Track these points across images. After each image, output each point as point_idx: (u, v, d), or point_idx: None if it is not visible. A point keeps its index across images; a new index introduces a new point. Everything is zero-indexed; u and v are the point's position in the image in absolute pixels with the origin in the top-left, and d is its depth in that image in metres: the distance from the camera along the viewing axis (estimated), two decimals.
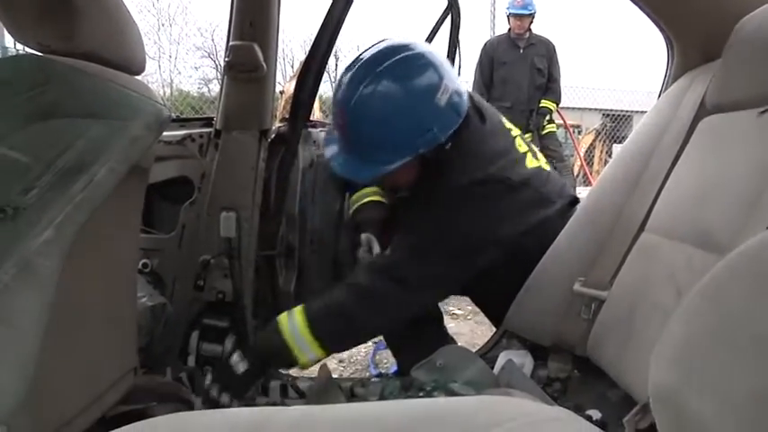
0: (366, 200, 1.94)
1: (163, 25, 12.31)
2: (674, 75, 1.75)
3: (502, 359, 1.68)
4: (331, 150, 1.64)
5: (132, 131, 1.14)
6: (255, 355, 1.62)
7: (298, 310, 1.60)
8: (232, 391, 1.60)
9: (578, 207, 1.73)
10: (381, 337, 3.12)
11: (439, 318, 1.99)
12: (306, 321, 1.58)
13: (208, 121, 2.00)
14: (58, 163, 1.01)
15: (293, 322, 1.58)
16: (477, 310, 3.79)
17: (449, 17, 2.61)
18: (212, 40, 17.56)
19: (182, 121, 2.07)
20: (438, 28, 2.63)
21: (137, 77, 1.39)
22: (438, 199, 1.58)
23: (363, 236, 1.87)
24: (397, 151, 1.54)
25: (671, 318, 0.63)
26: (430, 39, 2.64)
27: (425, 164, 1.60)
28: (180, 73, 11.89)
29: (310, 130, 2.03)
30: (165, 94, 11.84)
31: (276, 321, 1.60)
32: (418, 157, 1.55)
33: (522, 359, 1.69)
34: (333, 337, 1.61)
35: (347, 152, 1.60)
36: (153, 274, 1.96)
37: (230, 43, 1.83)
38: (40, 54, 1.24)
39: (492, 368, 1.62)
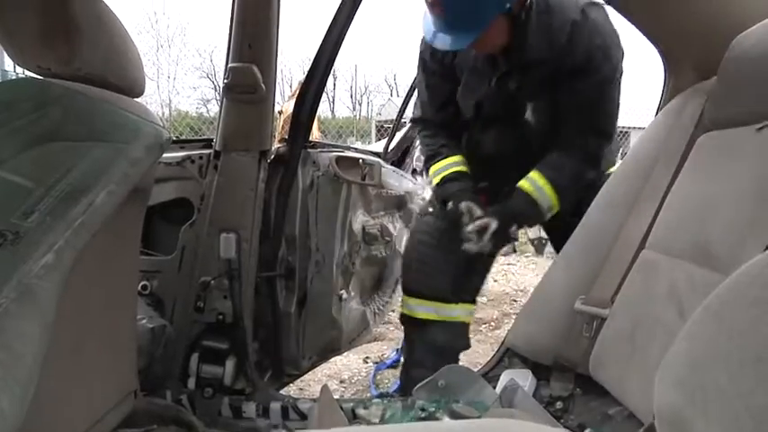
0: (450, 170, 1.99)
1: (162, 46, 12.39)
2: (670, 92, 1.76)
3: (504, 378, 1.68)
4: (437, 39, 1.75)
5: (132, 154, 1.14)
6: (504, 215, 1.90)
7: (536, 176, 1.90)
8: None
9: (579, 225, 1.73)
10: (381, 358, 3.13)
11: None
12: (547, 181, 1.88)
13: (207, 143, 2.00)
14: (58, 187, 1.01)
15: (536, 185, 1.88)
16: (479, 328, 3.80)
17: None
18: (211, 60, 17.68)
19: (181, 143, 2.06)
20: None
21: (136, 99, 1.40)
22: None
23: (463, 204, 1.91)
24: (488, 10, 1.68)
25: (676, 338, 0.62)
26: None
27: (513, 22, 1.75)
28: (178, 93, 11.96)
29: (309, 150, 2.03)
30: (163, 114, 11.88)
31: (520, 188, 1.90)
32: (506, 14, 1.71)
33: (524, 378, 1.68)
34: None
35: (448, 30, 1.73)
36: (153, 296, 1.95)
37: (229, 65, 1.83)
38: (40, 77, 1.24)
39: (494, 387, 1.61)
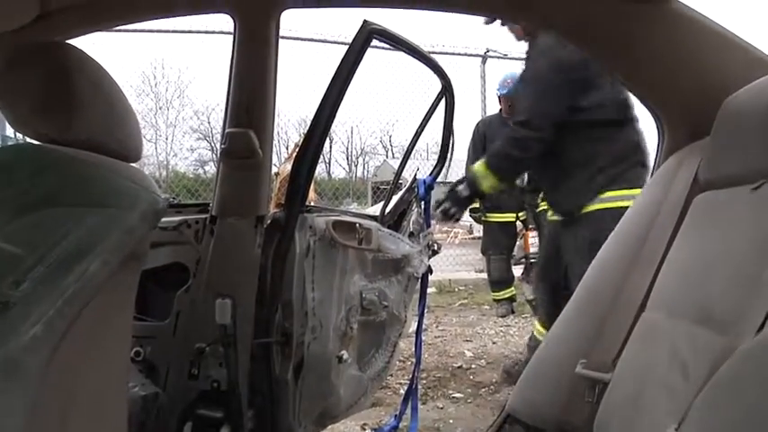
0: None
1: (160, 108, 12.56)
2: (665, 152, 1.77)
3: None
4: None
5: (128, 222, 1.13)
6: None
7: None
8: None
9: (578, 286, 1.71)
10: (379, 424, 3.06)
11: None
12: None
13: (203, 207, 2.00)
14: (51, 255, 1.00)
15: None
16: (478, 392, 3.73)
17: (443, 100, 2.68)
18: (208, 122, 17.93)
19: (178, 207, 2.07)
20: (433, 110, 2.70)
21: (134, 165, 1.40)
22: None
23: None
24: None
25: (682, 402, 0.61)
26: (425, 121, 2.69)
27: None
28: (176, 155, 12.06)
29: (306, 215, 2.03)
30: (160, 175, 11.99)
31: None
32: None
33: None
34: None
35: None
36: (146, 363, 1.92)
37: (226, 130, 1.85)
38: (38, 143, 1.25)
39: None
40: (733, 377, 0.58)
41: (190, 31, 7.58)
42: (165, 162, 12.50)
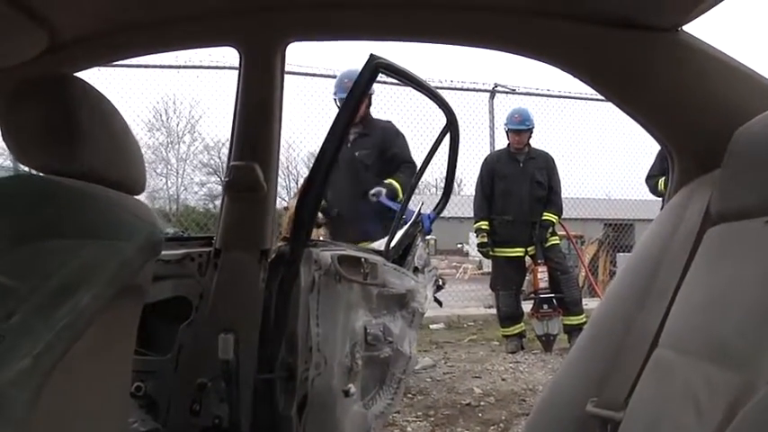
0: None
1: (171, 143, 12.68)
2: (676, 185, 1.74)
3: None
4: None
5: (124, 254, 1.12)
6: None
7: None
8: None
9: (588, 322, 1.68)
10: None
11: None
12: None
13: (207, 241, 1.99)
14: (45, 287, 0.99)
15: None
16: (487, 429, 3.66)
17: (448, 135, 2.68)
18: (219, 157, 18.04)
19: (181, 241, 2.06)
20: (438, 145, 2.69)
21: (137, 197, 1.39)
22: None
23: None
24: None
25: None
26: (429, 156, 2.69)
27: None
28: (186, 189, 12.14)
29: (311, 249, 2.01)
30: (170, 209, 12.10)
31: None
32: None
33: None
34: None
35: None
36: (146, 398, 1.89)
37: (231, 163, 1.85)
38: (40, 174, 1.25)
39: None
40: (758, 418, 0.55)
41: (201, 67, 7.67)
42: (176, 196, 12.59)
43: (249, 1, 1.56)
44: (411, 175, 4.22)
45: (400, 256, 2.73)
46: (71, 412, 1.19)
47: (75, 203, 1.13)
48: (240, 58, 1.87)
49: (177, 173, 12.54)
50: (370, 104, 4.65)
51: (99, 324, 1.06)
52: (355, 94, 1.88)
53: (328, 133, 1.88)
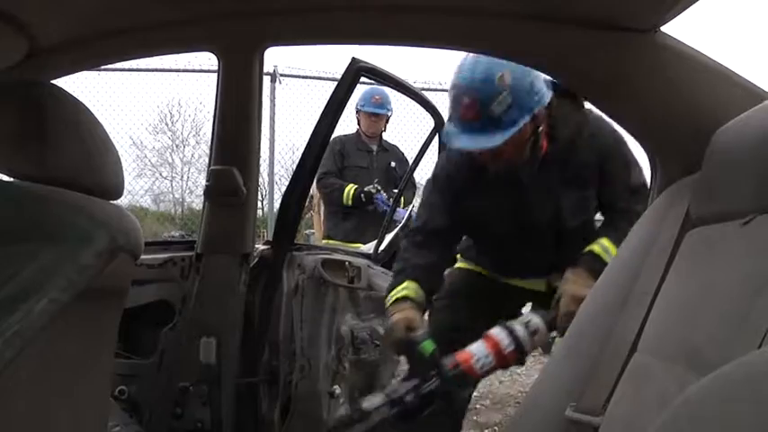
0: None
1: (177, 146, 12.70)
2: (658, 188, 1.73)
3: None
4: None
5: (81, 259, 1.11)
6: None
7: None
8: None
9: (569, 327, 1.66)
10: None
11: None
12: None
13: (190, 245, 1.99)
14: None
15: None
16: None
17: (436, 136, 2.68)
18: None
19: (164, 245, 2.06)
20: (426, 147, 2.69)
21: (112, 202, 1.39)
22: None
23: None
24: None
25: None
26: (419, 157, 2.69)
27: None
28: (191, 192, 12.17)
29: (295, 253, 2.01)
30: (176, 212, 12.16)
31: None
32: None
33: None
34: None
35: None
36: (129, 401, 1.89)
37: (210, 167, 1.84)
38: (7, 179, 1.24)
39: None
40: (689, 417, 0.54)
41: (202, 71, 7.67)
42: (181, 199, 12.62)
43: (225, 6, 1.56)
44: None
45: (390, 258, 2.71)
46: (53, 416, 1.18)
47: (33, 208, 1.12)
48: (218, 62, 1.87)
49: (182, 176, 12.57)
50: (387, 123, 4.74)
51: (76, 327, 1.05)
52: (337, 97, 1.88)
53: (311, 136, 1.88)
